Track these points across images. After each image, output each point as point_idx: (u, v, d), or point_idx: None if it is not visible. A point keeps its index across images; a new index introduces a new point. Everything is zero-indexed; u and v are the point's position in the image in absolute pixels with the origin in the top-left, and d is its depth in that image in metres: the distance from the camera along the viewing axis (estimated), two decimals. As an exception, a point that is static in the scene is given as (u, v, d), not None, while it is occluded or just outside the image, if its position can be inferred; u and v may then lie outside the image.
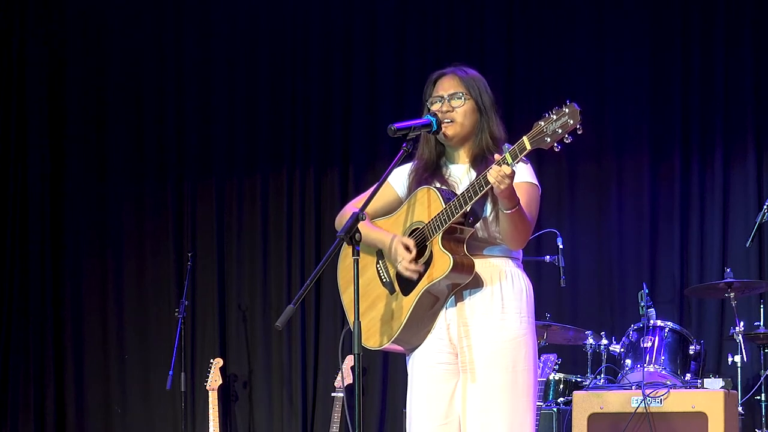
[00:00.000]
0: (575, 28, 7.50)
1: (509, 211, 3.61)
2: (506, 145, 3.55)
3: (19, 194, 8.03)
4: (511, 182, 3.53)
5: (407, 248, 3.70)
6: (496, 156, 3.55)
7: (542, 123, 3.47)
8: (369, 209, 3.85)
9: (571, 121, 3.43)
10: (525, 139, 3.50)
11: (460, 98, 3.83)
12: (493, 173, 3.52)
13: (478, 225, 3.74)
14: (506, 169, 3.51)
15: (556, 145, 3.46)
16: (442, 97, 3.84)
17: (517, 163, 3.52)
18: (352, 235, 3.54)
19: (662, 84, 7.33)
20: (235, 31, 7.96)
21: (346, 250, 3.90)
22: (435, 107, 3.84)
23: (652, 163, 7.31)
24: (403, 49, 7.73)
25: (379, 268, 3.86)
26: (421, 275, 3.70)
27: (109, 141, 8.05)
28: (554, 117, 3.45)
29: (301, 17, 7.89)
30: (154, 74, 8.04)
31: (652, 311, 6.23)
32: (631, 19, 7.38)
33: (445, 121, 3.81)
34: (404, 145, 3.75)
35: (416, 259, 3.70)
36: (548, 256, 6.54)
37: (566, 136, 3.44)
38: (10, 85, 8.07)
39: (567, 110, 3.44)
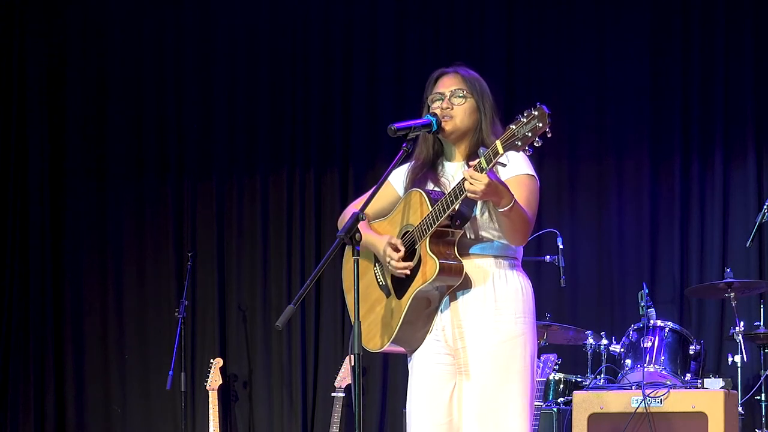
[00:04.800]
0: (575, 27, 7.50)
1: (503, 210, 3.59)
2: (481, 149, 3.55)
3: (19, 194, 8.02)
4: (487, 187, 3.51)
5: (395, 248, 3.71)
6: (471, 162, 3.55)
7: (513, 126, 3.45)
8: (370, 210, 3.86)
9: (540, 125, 3.39)
10: (498, 142, 3.47)
11: (461, 96, 3.83)
12: (466, 179, 3.51)
13: (467, 226, 3.73)
14: (480, 179, 3.49)
15: (527, 148, 3.45)
16: (443, 94, 3.85)
17: (492, 167, 3.50)
18: (352, 235, 3.55)
19: (662, 84, 7.33)
20: (235, 31, 7.96)
21: (349, 251, 3.90)
22: (435, 105, 3.84)
23: (652, 163, 7.32)
24: (403, 49, 7.74)
25: (376, 272, 3.87)
26: (411, 277, 3.70)
27: (109, 141, 8.05)
28: (524, 120, 3.42)
29: (301, 17, 7.89)
30: (154, 74, 8.04)
31: (652, 311, 6.23)
32: (632, 19, 7.38)
33: (445, 117, 3.81)
34: (404, 145, 3.76)
35: (406, 262, 3.71)
36: (548, 256, 6.54)
37: (536, 139, 3.42)
38: (11, 86, 8.06)
39: (536, 113, 3.40)
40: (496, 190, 3.54)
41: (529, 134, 3.41)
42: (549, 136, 3.41)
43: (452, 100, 3.83)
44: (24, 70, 8.08)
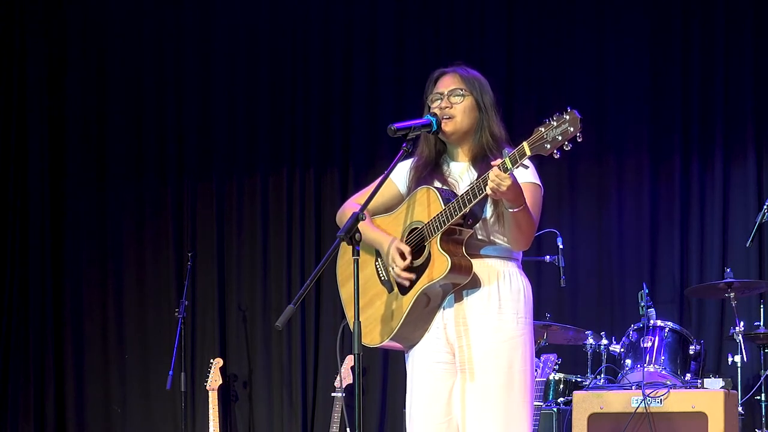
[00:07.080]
0: (575, 27, 7.50)
1: (514, 210, 3.62)
2: (506, 149, 3.56)
3: (19, 195, 8.03)
4: (508, 188, 3.53)
5: (402, 255, 3.72)
6: (496, 160, 3.56)
7: (542, 129, 3.46)
8: (370, 205, 3.86)
9: (572, 129, 3.41)
10: (525, 144, 3.49)
11: (460, 95, 3.85)
12: (491, 178, 3.53)
13: (477, 226, 3.75)
14: (504, 179, 3.51)
15: (555, 152, 3.46)
16: (442, 94, 3.86)
17: (516, 168, 3.52)
18: (351, 235, 3.55)
19: (662, 84, 7.33)
20: (235, 31, 7.96)
21: (346, 246, 3.90)
22: (435, 104, 3.86)
23: (652, 163, 7.32)
24: (403, 49, 7.74)
25: (378, 267, 3.87)
26: (418, 274, 3.70)
27: (109, 141, 8.05)
28: (554, 124, 3.44)
29: (301, 17, 7.89)
30: (154, 74, 8.04)
31: (652, 311, 6.23)
32: (632, 19, 7.38)
33: (444, 117, 3.82)
34: (404, 145, 3.77)
35: (414, 259, 3.72)
36: (548, 256, 6.54)
37: (566, 143, 3.43)
38: (11, 86, 8.06)
39: (568, 117, 3.43)
40: (516, 191, 3.57)
41: (559, 137, 3.42)
42: (580, 140, 3.43)
43: (451, 99, 3.84)
44: (24, 70, 8.08)
